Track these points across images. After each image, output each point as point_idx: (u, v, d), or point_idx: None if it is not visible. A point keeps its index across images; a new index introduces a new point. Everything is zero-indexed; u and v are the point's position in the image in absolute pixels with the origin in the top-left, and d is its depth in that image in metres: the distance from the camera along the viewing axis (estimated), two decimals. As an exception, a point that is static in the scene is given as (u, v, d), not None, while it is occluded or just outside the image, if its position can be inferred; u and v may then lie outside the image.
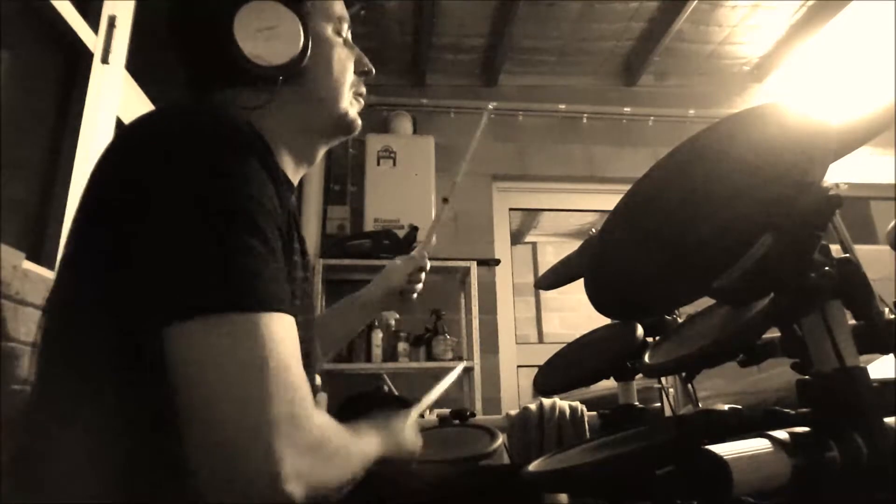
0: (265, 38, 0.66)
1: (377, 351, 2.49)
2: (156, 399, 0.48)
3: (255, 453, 0.44)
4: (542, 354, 1.32)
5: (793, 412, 0.58)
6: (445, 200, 1.00)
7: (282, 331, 0.49)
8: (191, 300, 0.46)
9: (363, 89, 0.81)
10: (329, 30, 0.75)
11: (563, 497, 0.84)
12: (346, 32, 0.79)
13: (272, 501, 0.44)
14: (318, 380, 0.76)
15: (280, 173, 0.60)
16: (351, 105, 0.78)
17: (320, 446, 0.49)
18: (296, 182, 0.78)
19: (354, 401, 1.06)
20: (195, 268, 0.48)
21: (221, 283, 0.47)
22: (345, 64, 0.76)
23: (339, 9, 0.77)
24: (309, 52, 0.69)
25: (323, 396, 0.75)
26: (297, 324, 0.66)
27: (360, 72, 0.80)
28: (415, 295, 1.10)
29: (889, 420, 0.53)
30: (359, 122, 0.79)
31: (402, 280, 1.07)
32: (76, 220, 0.58)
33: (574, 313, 3.42)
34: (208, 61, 0.70)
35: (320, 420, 0.50)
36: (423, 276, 1.10)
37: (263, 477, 0.44)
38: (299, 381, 0.49)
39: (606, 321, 1.16)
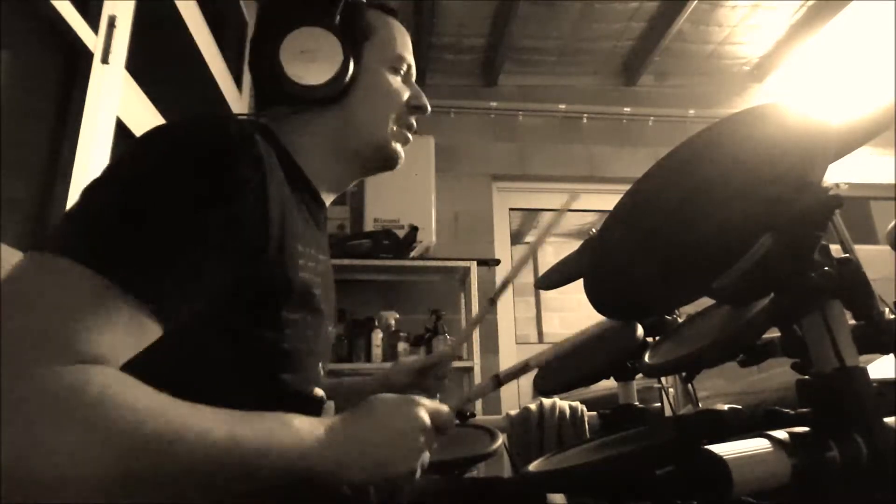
0: (306, 60, 0.70)
1: (377, 351, 2.50)
2: None
3: None
4: (542, 354, 1.32)
5: (793, 412, 0.58)
6: (492, 302, 0.94)
7: (87, 286, 0.45)
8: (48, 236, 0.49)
9: (413, 124, 0.82)
10: (381, 63, 0.77)
11: (560, 497, 0.84)
12: (406, 70, 0.80)
13: None
14: (320, 391, 0.74)
15: (283, 187, 0.63)
16: (393, 136, 0.78)
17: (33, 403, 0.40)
18: (327, 203, 0.80)
19: None
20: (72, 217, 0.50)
21: (70, 230, 0.49)
22: (393, 96, 0.77)
23: (401, 49, 0.79)
24: (349, 76, 0.72)
25: (331, 405, 0.73)
26: (309, 332, 0.66)
27: (412, 106, 0.80)
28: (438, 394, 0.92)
29: (889, 420, 0.53)
30: (401, 155, 0.80)
31: (406, 379, 0.91)
32: None
33: (574, 313, 3.42)
34: (260, 79, 0.76)
35: (56, 378, 0.41)
36: (446, 370, 0.93)
37: None
38: (64, 339, 0.43)
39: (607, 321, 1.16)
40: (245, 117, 0.71)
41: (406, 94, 0.79)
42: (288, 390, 0.64)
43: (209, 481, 0.46)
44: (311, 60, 0.70)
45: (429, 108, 0.82)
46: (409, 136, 0.81)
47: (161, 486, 0.44)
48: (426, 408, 0.61)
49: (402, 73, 0.79)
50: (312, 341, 0.67)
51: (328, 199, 0.80)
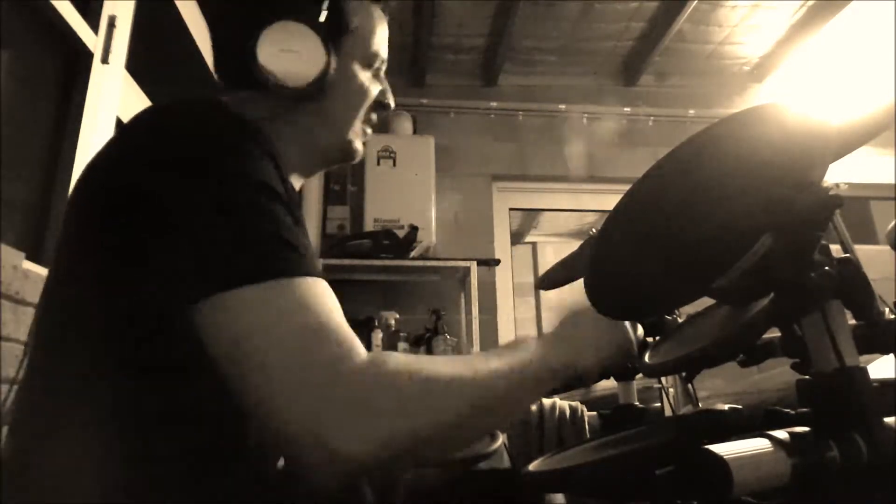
0: (286, 60, 0.68)
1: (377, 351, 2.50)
2: (167, 389, 0.49)
3: (296, 416, 0.44)
4: (542, 354, 1.32)
5: (793, 412, 0.58)
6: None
7: (318, 291, 0.49)
8: (227, 271, 0.47)
9: (374, 120, 0.81)
10: (356, 59, 0.75)
11: (560, 497, 0.84)
12: (378, 65, 0.79)
13: (330, 464, 0.44)
14: None
15: (284, 172, 0.61)
16: (356, 135, 0.78)
17: (374, 397, 0.47)
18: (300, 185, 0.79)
19: None
20: (225, 239, 0.48)
21: (254, 253, 0.48)
22: (364, 93, 0.76)
23: (377, 45, 0.77)
24: (328, 79, 0.69)
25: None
26: None
27: (378, 103, 0.79)
28: None
29: (889, 420, 0.53)
30: (360, 151, 0.79)
31: None
32: (73, 214, 0.58)
33: (574, 313, 3.42)
34: (232, 63, 0.73)
35: (378, 369, 0.48)
36: None
37: (307, 438, 0.44)
38: (341, 336, 0.48)
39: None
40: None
41: (375, 91, 0.78)
42: None
43: (508, 396, 0.57)
44: (291, 60, 0.68)
45: (393, 105, 0.81)
46: (369, 130, 0.80)
47: (490, 409, 0.55)
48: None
49: (374, 67, 0.78)
50: None
51: (296, 184, 0.78)
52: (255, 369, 0.45)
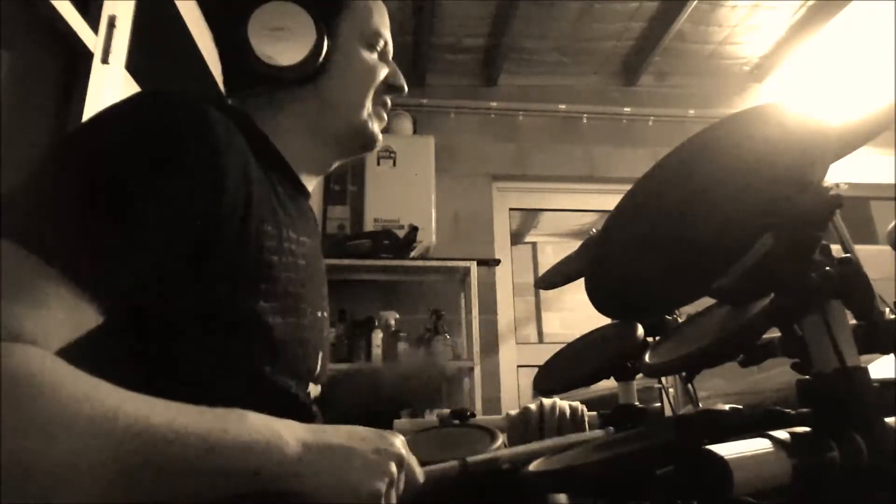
0: (277, 39, 0.66)
1: (377, 351, 2.50)
2: None
3: None
4: (542, 354, 1.32)
5: (793, 412, 0.58)
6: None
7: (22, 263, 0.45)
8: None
9: (388, 103, 0.79)
10: (357, 39, 0.73)
11: (562, 497, 0.84)
12: (383, 46, 0.77)
13: None
14: (311, 393, 0.71)
15: (250, 167, 0.61)
16: (370, 118, 0.76)
17: None
18: (310, 188, 0.77)
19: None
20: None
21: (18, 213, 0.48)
22: (370, 75, 0.74)
23: (377, 24, 0.75)
24: (323, 56, 0.68)
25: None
26: (294, 322, 0.65)
27: (389, 86, 0.77)
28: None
29: (889, 420, 0.53)
30: (379, 137, 0.77)
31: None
32: None
33: (574, 313, 3.42)
34: (229, 61, 0.72)
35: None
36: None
37: None
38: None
39: (606, 321, 1.16)
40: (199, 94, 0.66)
41: (383, 73, 0.76)
42: (269, 383, 0.62)
43: (139, 471, 0.42)
44: (282, 38, 0.66)
45: (405, 88, 0.79)
46: (385, 115, 0.78)
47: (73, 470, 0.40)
48: (404, 444, 0.56)
49: (378, 49, 0.76)
50: (291, 328, 0.64)
51: (310, 181, 0.78)
52: None
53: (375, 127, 0.77)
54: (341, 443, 0.53)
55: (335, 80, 0.72)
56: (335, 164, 0.80)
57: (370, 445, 0.53)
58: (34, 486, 0.39)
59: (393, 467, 0.53)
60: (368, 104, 0.75)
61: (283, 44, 0.67)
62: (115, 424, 0.42)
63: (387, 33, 0.77)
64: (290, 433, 0.50)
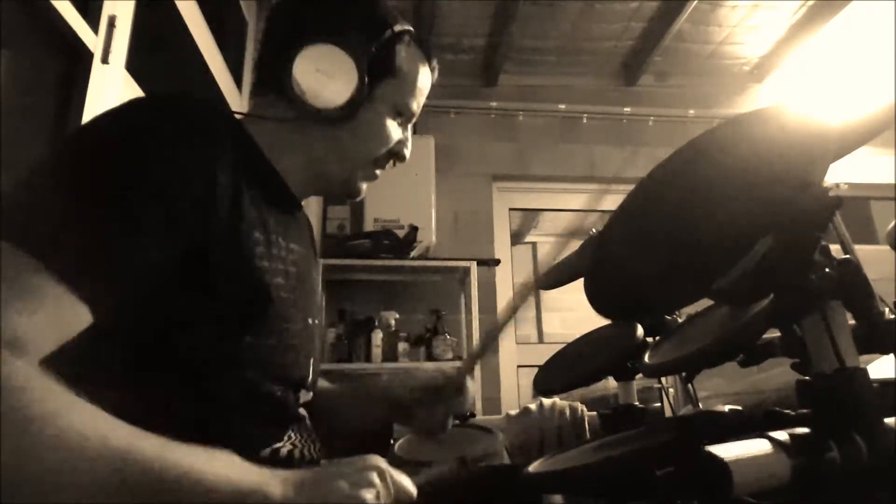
0: (319, 78, 0.68)
1: (377, 351, 2.49)
2: None
3: None
4: (542, 354, 1.32)
5: (793, 412, 0.58)
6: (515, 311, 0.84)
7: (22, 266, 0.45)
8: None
9: (384, 167, 0.80)
10: (389, 105, 0.75)
11: (558, 497, 0.84)
12: (407, 117, 0.78)
13: None
14: (301, 398, 0.72)
15: (242, 173, 0.62)
16: (363, 175, 0.78)
17: None
18: (301, 198, 0.78)
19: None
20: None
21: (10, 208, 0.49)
22: (383, 140, 0.76)
23: (412, 100, 0.77)
24: (355, 112, 0.70)
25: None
26: (288, 324, 0.65)
27: (392, 153, 0.78)
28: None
29: (889, 420, 0.53)
30: (362, 192, 0.79)
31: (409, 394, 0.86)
32: None
33: (574, 313, 3.41)
34: (266, 68, 0.74)
35: None
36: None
37: None
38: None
39: (607, 321, 1.16)
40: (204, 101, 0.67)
41: (395, 140, 0.77)
42: (254, 388, 0.62)
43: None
44: (324, 80, 0.68)
45: (406, 159, 0.80)
46: (377, 175, 0.80)
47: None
48: (383, 461, 0.57)
49: (401, 118, 0.77)
50: (283, 334, 0.65)
51: (300, 196, 0.78)
52: None
53: (363, 184, 0.79)
54: (320, 473, 0.53)
55: (348, 132, 0.73)
56: (311, 196, 0.82)
57: (349, 467, 0.54)
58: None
59: (376, 478, 0.53)
60: (369, 165, 0.77)
61: (322, 85, 0.68)
62: (108, 452, 0.42)
63: (418, 109, 0.79)
64: (272, 475, 0.50)
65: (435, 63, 0.80)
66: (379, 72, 0.72)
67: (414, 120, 0.80)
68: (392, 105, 0.75)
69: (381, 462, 0.56)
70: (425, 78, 0.78)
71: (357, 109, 0.70)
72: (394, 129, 0.76)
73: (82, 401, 0.44)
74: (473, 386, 0.79)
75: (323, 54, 0.68)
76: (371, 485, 0.53)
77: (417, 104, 0.78)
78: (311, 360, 0.73)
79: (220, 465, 0.47)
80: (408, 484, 0.57)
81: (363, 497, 0.51)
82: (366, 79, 0.69)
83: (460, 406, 0.86)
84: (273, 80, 0.71)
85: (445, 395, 0.85)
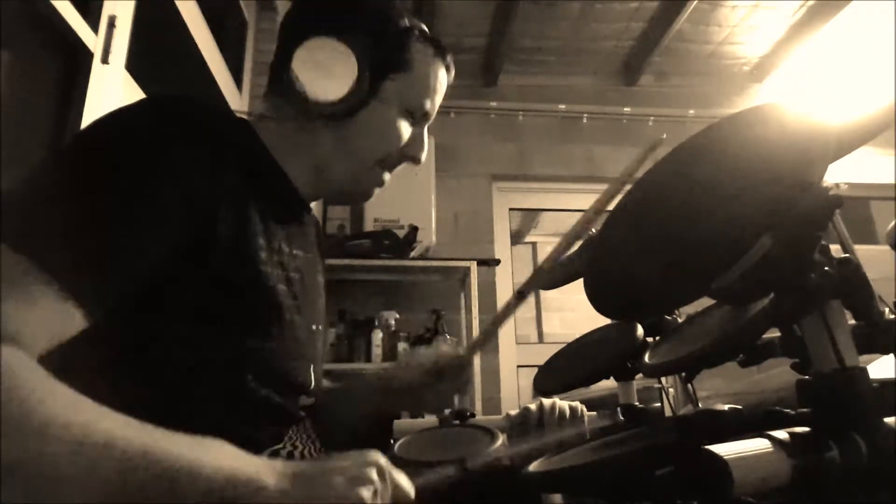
0: (319, 72, 0.66)
1: (377, 351, 2.50)
2: None
3: None
4: (542, 354, 1.32)
5: (793, 412, 0.58)
6: (520, 295, 0.83)
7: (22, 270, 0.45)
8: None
9: (392, 170, 0.78)
10: (398, 103, 0.72)
11: (557, 497, 0.84)
12: (420, 117, 0.75)
13: None
14: (302, 403, 0.71)
15: (246, 179, 0.62)
16: (372, 178, 0.76)
17: None
18: (309, 201, 0.77)
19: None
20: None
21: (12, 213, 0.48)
22: (392, 140, 0.73)
23: (427, 97, 0.74)
24: (357, 103, 0.68)
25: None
26: (291, 330, 0.65)
27: (405, 153, 0.76)
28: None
29: (889, 420, 0.53)
30: (370, 195, 0.77)
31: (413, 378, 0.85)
32: None
33: (574, 313, 3.41)
34: (276, 64, 0.72)
35: None
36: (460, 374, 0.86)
37: None
38: None
39: (607, 321, 1.16)
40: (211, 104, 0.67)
41: (405, 140, 0.74)
42: (252, 393, 0.61)
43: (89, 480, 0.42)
44: (323, 74, 0.66)
45: (420, 162, 0.78)
46: (387, 178, 0.78)
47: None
48: (383, 457, 0.55)
49: (414, 118, 0.75)
50: (285, 340, 0.65)
51: (307, 198, 0.77)
52: None
53: (371, 186, 0.77)
54: (317, 467, 0.52)
55: (356, 130, 0.71)
56: (320, 199, 0.80)
57: (347, 461, 0.52)
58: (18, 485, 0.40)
59: (374, 474, 0.52)
60: (376, 165, 0.74)
61: (322, 79, 0.67)
62: (91, 440, 0.42)
63: (432, 108, 0.76)
64: (267, 466, 0.49)
65: (450, 60, 0.77)
66: (386, 68, 0.70)
67: (430, 120, 0.77)
68: (402, 103, 0.72)
69: (381, 458, 0.54)
70: (439, 76, 0.75)
71: (359, 105, 0.68)
72: (404, 129, 0.73)
73: (71, 390, 0.44)
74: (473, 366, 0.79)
75: (322, 47, 0.66)
76: (369, 482, 0.51)
77: (431, 103, 0.75)
78: (313, 367, 0.73)
79: (214, 455, 0.46)
80: (406, 484, 0.56)
81: (360, 494, 0.49)
82: (367, 73, 0.67)
83: (464, 385, 0.86)
84: (277, 79, 0.70)
85: (451, 375, 0.84)
